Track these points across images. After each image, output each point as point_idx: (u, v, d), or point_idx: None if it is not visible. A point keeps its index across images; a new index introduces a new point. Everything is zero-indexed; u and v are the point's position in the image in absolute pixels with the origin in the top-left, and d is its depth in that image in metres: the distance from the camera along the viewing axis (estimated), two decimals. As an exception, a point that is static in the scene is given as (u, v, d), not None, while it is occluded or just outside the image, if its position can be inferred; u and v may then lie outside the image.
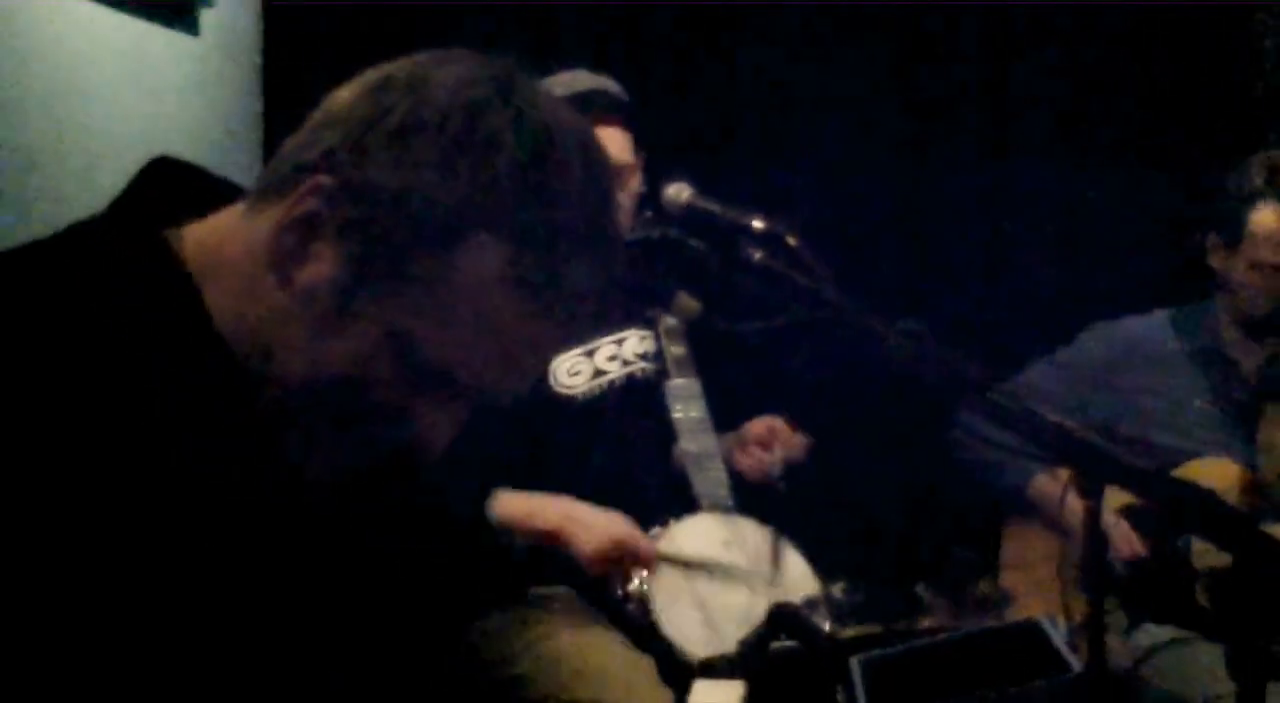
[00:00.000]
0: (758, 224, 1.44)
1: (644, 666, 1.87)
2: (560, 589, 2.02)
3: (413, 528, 1.18)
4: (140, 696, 0.89)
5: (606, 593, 2.00)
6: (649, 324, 2.30)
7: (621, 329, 2.29)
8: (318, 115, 0.97)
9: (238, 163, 2.83)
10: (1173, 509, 1.33)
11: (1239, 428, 2.49)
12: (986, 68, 3.24)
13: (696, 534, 2.07)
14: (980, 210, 3.25)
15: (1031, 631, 1.29)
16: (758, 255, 1.39)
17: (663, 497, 2.14)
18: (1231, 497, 2.39)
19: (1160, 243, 3.07)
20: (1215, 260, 2.54)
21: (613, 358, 2.26)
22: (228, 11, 2.86)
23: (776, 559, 2.04)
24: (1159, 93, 3.19)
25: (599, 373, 2.23)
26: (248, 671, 0.95)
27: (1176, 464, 2.45)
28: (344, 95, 0.97)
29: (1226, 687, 1.33)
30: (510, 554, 1.93)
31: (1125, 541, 2.39)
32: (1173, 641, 2.36)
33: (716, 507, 2.12)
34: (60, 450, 0.87)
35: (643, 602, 1.95)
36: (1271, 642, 1.30)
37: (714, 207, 1.56)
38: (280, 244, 0.94)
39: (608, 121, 2.15)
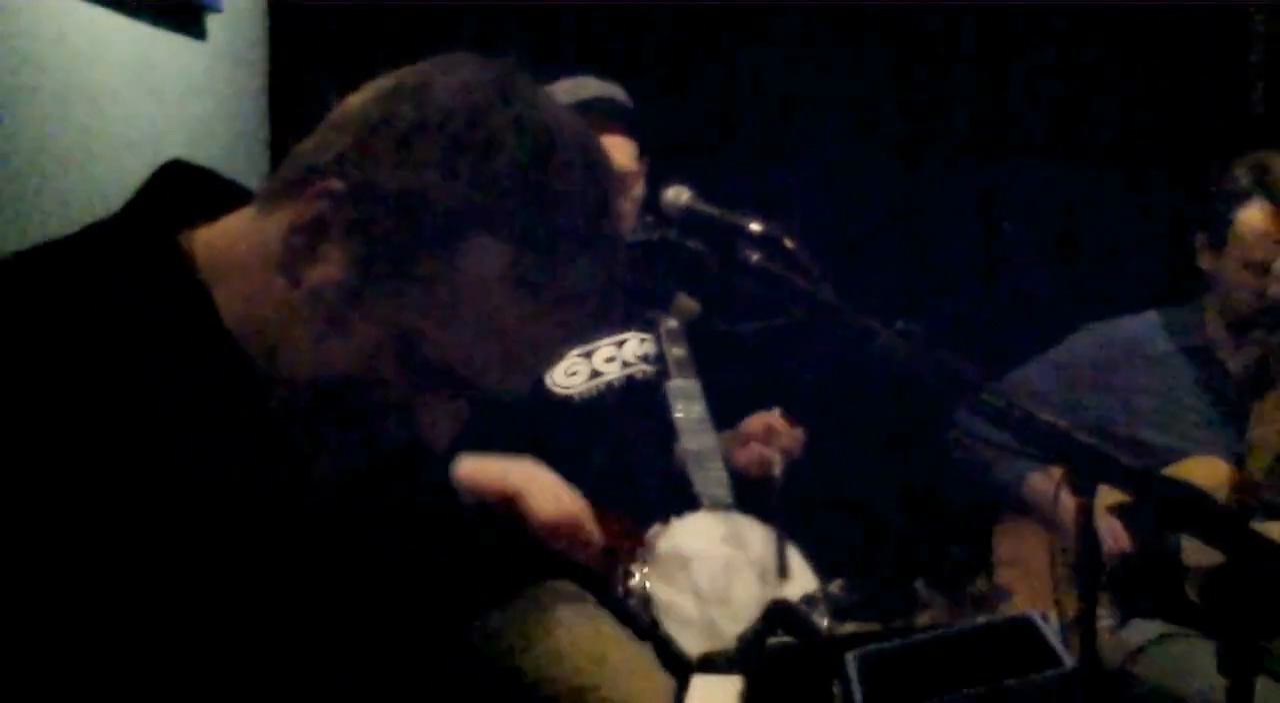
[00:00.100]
0: (755, 226, 1.44)
1: (645, 654, 1.87)
2: (561, 582, 2.02)
3: (414, 525, 1.18)
4: (143, 694, 0.89)
5: (607, 589, 2.00)
6: (649, 326, 2.31)
7: (621, 331, 2.29)
8: (329, 121, 0.98)
9: (244, 166, 2.83)
10: (1164, 507, 1.34)
11: (1229, 426, 2.49)
12: (982, 71, 3.24)
13: (696, 532, 2.07)
14: (976, 212, 3.25)
15: (1025, 626, 1.29)
16: (755, 257, 1.40)
17: (663, 496, 2.14)
18: (1221, 495, 2.39)
19: (1154, 245, 3.07)
20: (1204, 260, 2.54)
21: (611, 359, 2.26)
22: (234, 17, 2.86)
23: (783, 559, 2.04)
24: (1154, 95, 3.19)
25: (596, 374, 2.23)
26: (252, 666, 0.95)
27: (1167, 463, 2.45)
28: (354, 101, 0.98)
29: (1216, 682, 1.33)
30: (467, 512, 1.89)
31: (1113, 538, 2.39)
32: (1163, 636, 2.36)
33: (716, 505, 2.12)
34: (70, 448, 0.87)
35: (643, 598, 1.95)
36: (1261, 638, 1.31)
37: (712, 209, 1.57)
38: (290, 246, 0.95)
39: (612, 129, 2.15)
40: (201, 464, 0.92)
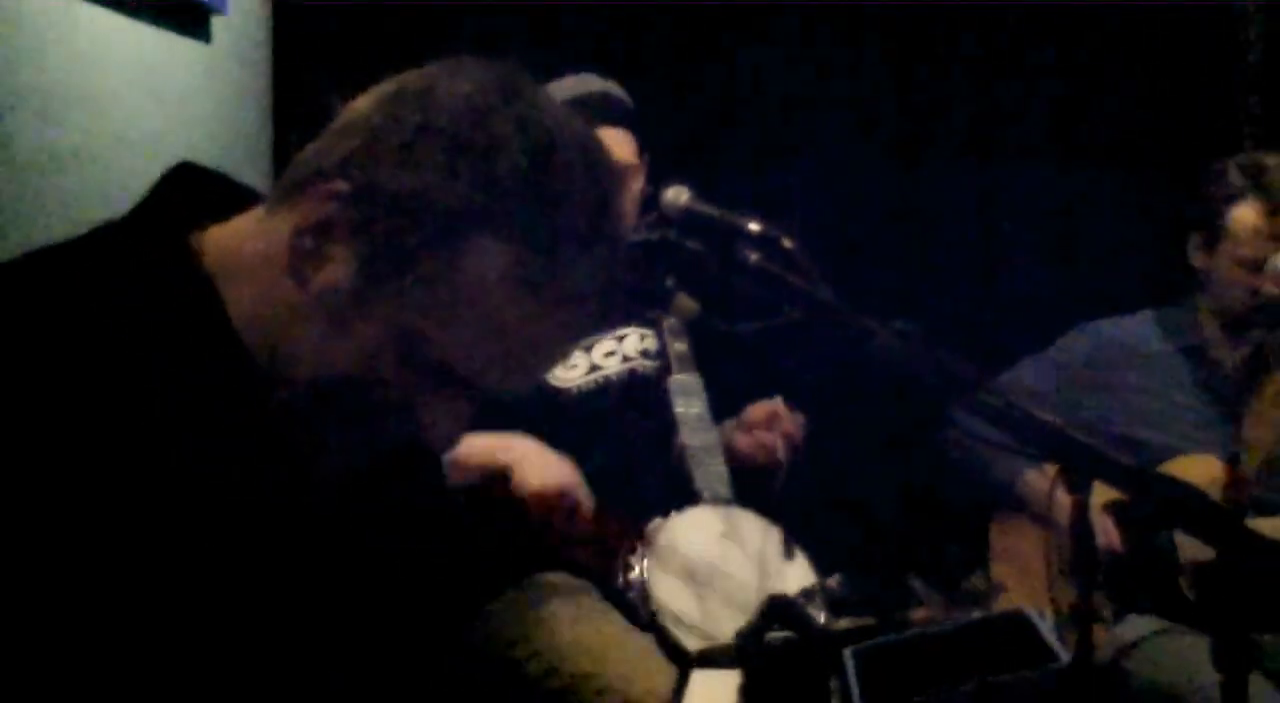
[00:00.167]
0: (754, 227, 1.44)
1: (644, 646, 1.87)
2: (560, 575, 2.02)
3: (413, 524, 1.18)
4: (141, 693, 0.89)
5: (607, 584, 2.00)
6: (650, 324, 2.31)
7: (622, 327, 2.29)
8: (335, 125, 0.98)
9: (247, 168, 2.83)
10: (1158, 504, 1.34)
11: (1222, 424, 2.49)
12: (980, 72, 3.24)
13: (695, 526, 2.07)
14: (972, 213, 3.25)
15: (1019, 622, 1.29)
16: (754, 257, 1.40)
17: (663, 491, 2.14)
18: (1215, 492, 2.39)
19: (1149, 244, 3.07)
20: (1196, 259, 2.54)
21: (611, 354, 2.26)
22: (239, 19, 2.86)
23: (789, 553, 2.05)
24: (1149, 98, 3.19)
25: (595, 367, 2.24)
26: (252, 663, 0.95)
27: (1161, 460, 2.45)
28: (360, 106, 0.98)
29: (1210, 677, 1.33)
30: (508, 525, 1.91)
31: (1107, 535, 2.40)
32: (1157, 632, 2.36)
33: (716, 500, 2.12)
34: (76, 446, 0.87)
35: (642, 591, 1.95)
36: (1255, 633, 1.31)
37: (711, 209, 1.57)
38: (298, 247, 0.95)
39: (612, 125, 2.15)
40: (205, 463, 0.92)
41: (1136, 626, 2.38)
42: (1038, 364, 2.64)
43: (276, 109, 3.03)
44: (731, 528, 2.09)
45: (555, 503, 1.89)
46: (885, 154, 3.23)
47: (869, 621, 1.57)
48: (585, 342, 2.25)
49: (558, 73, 2.19)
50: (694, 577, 2.00)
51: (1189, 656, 2.26)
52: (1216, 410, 2.52)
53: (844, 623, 1.89)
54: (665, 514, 2.07)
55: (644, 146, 2.23)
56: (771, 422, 2.20)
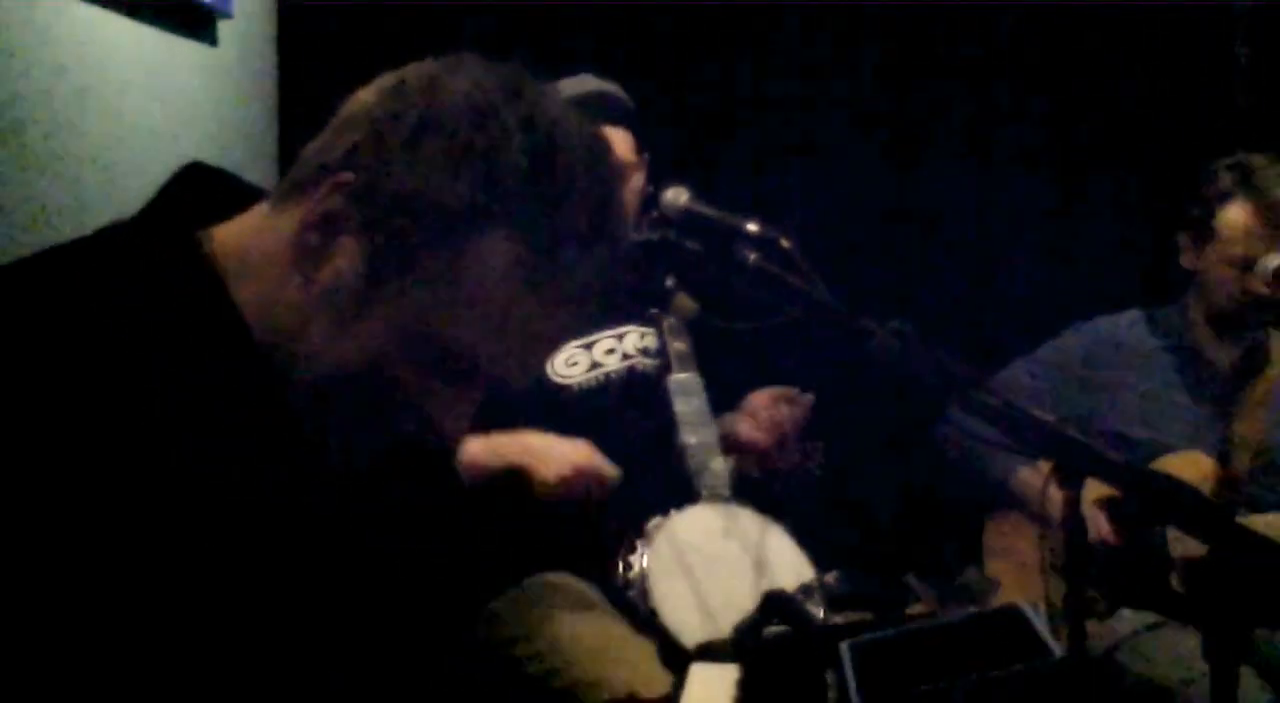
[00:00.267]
0: (752, 227, 1.44)
1: (644, 647, 1.87)
2: (563, 575, 2.02)
3: (423, 520, 1.18)
4: (157, 683, 0.89)
5: (607, 580, 2.00)
6: (651, 322, 2.31)
7: (622, 325, 2.29)
8: (338, 118, 0.98)
9: (253, 168, 2.83)
10: (1149, 500, 1.34)
11: (1212, 422, 2.49)
12: (974, 75, 3.24)
13: (694, 524, 2.07)
14: (968, 213, 3.25)
15: (1013, 616, 1.29)
16: (753, 257, 1.40)
17: (662, 489, 2.14)
18: (1206, 489, 2.40)
19: (1140, 245, 3.07)
20: (1187, 259, 2.54)
21: (611, 351, 2.26)
22: (245, 23, 2.86)
23: (787, 550, 2.05)
24: (1141, 99, 3.19)
25: (596, 365, 2.24)
26: (257, 659, 0.95)
27: (1153, 458, 2.45)
28: (363, 98, 0.98)
29: (1201, 669, 1.34)
30: (508, 522, 1.92)
31: (1093, 524, 2.40)
32: (1149, 626, 2.36)
33: (715, 497, 2.12)
34: (86, 444, 0.87)
35: (642, 589, 1.95)
36: (1245, 627, 1.31)
37: (710, 210, 1.57)
38: (304, 240, 0.95)
39: (611, 124, 2.15)
40: (216, 460, 0.92)
41: (1128, 620, 2.39)
42: (1031, 363, 2.64)
43: (281, 111, 3.03)
44: (730, 525, 2.09)
45: (577, 485, 1.90)
46: (882, 155, 3.24)
47: (865, 616, 1.57)
48: (586, 340, 2.25)
49: (558, 73, 2.19)
50: (693, 573, 2.00)
51: (1180, 649, 2.26)
52: (1207, 408, 2.52)
53: (841, 618, 1.89)
54: (665, 512, 2.07)
55: (643, 146, 2.23)
56: (775, 402, 2.19)
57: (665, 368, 2.26)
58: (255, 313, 0.96)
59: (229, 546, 0.92)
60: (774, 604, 1.35)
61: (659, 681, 1.79)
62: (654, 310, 2.30)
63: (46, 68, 2.13)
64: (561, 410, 2.16)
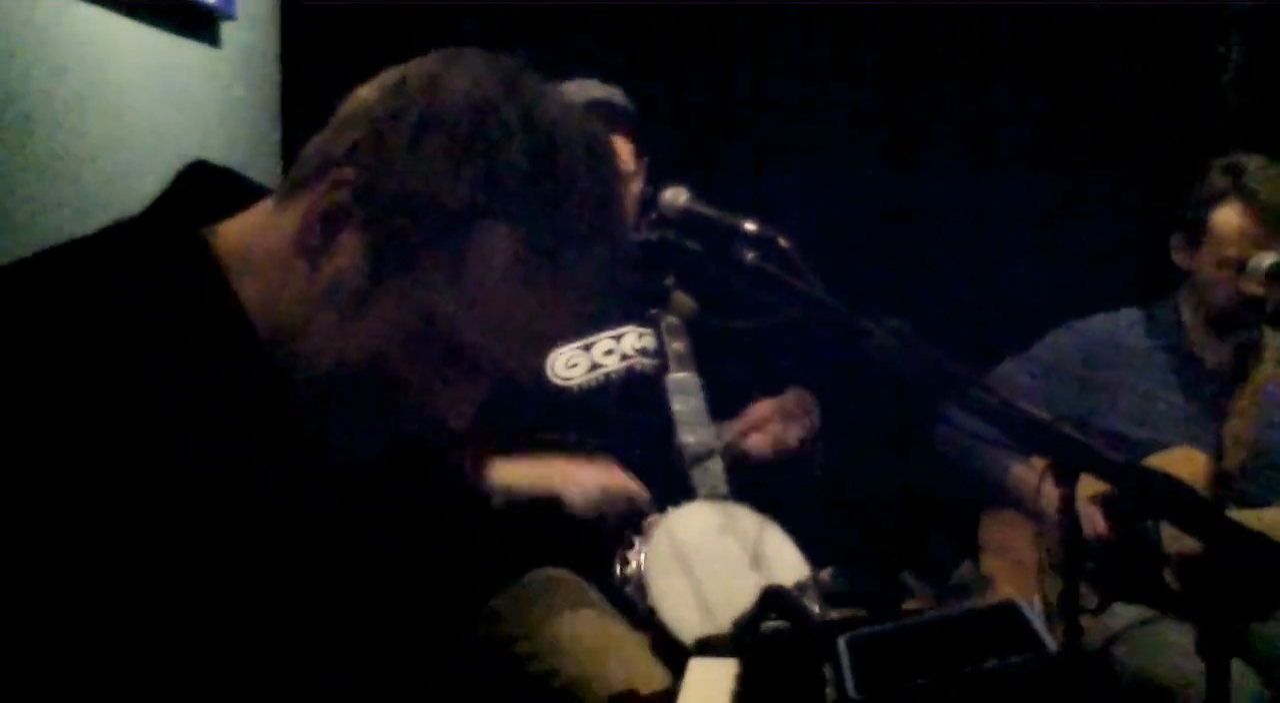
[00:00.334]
0: (751, 227, 1.44)
1: (643, 644, 1.88)
2: (561, 571, 2.02)
3: (426, 517, 1.19)
4: (155, 682, 0.89)
5: (605, 578, 2.00)
6: (649, 322, 2.31)
7: (620, 326, 2.30)
8: (340, 114, 0.98)
9: (256, 169, 2.83)
10: (1143, 497, 1.34)
11: (1205, 420, 2.49)
12: (970, 77, 3.24)
13: (692, 521, 2.07)
14: (964, 213, 3.25)
15: (1009, 611, 1.29)
16: (751, 257, 1.40)
17: (661, 487, 2.15)
18: (1199, 486, 2.40)
19: (1134, 244, 3.08)
20: (1180, 259, 2.54)
21: (610, 352, 2.26)
22: (248, 25, 2.86)
23: (783, 547, 2.05)
24: (1135, 100, 3.19)
25: (595, 366, 2.24)
26: (261, 654, 0.95)
27: (1146, 455, 2.45)
28: (364, 95, 0.98)
29: (1194, 664, 1.34)
30: (510, 521, 1.94)
31: (1089, 520, 2.40)
32: (1143, 621, 2.36)
33: (712, 495, 2.12)
34: (90, 441, 0.87)
35: (640, 586, 1.96)
36: (1237, 621, 1.31)
37: (709, 210, 1.57)
38: (308, 236, 0.95)
39: (612, 130, 2.15)
40: (218, 458, 0.92)
41: (1123, 615, 2.39)
42: (1026, 361, 2.64)
43: (284, 112, 3.03)
44: (727, 522, 2.09)
45: (607, 508, 1.93)
46: (879, 156, 3.24)
47: (861, 611, 1.57)
48: (585, 341, 2.25)
49: (559, 73, 2.19)
50: (691, 570, 2.00)
51: (1174, 643, 2.26)
52: (1200, 406, 2.52)
53: (837, 614, 1.89)
54: (662, 510, 2.07)
55: (643, 149, 2.23)
56: (778, 414, 2.19)
57: (664, 367, 2.26)
58: (259, 310, 0.97)
59: (230, 543, 0.92)
60: (772, 600, 1.35)
61: (657, 677, 1.79)
62: (653, 310, 2.30)
63: (48, 68, 2.13)
64: (562, 412, 2.16)
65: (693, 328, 2.30)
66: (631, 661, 1.82)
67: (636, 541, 2.01)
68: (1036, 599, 2.37)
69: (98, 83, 2.28)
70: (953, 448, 2.60)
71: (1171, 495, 1.33)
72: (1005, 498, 2.57)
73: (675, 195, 1.64)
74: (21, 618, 0.83)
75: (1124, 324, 2.62)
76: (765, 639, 1.30)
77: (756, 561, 2.04)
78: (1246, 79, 3.11)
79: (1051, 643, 1.22)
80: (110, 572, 0.86)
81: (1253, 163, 2.47)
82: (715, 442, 2.18)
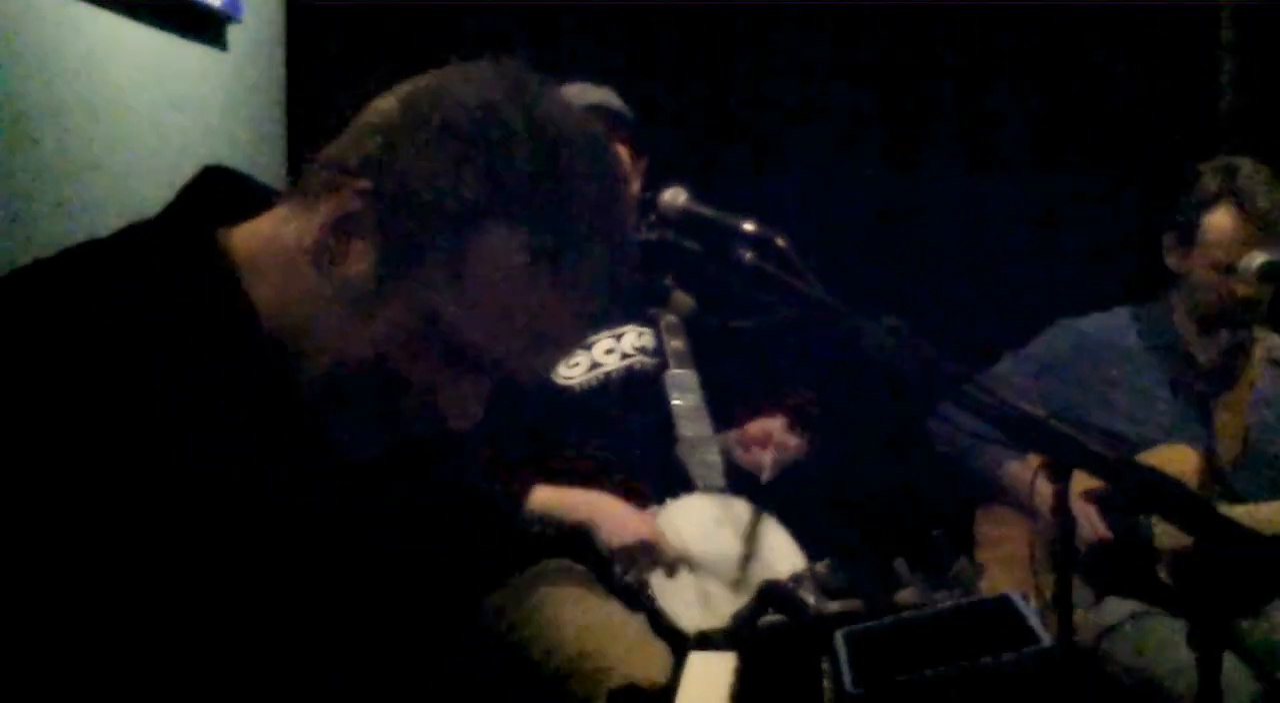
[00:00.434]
0: (749, 226, 1.44)
1: (641, 627, 1.88)
2: (560, 559, 2.03)
3: (432, 512, 1.19)
4: (157, 680, 0.89)
5: (605, 567, 2.00)
6: (649, 321, 2.31)
7: (620, 325, 2.30)
8: (358, 123, 0.99)
9: (262, 172, 2.82)
10: (1136, 493, 1.34)
11: (1197, 417, 2.50)
12: (965, 78, 3.24)
13: (690, 513, 2.08)
14: (959, 214, 3.25)
15: (1005, 606, 1.30)
16: (749, 256, 1.40)
17: (660, 481, 2.15)
18: (1190, 481, 2.40)
19: (1127, 244, 3.08)
20: (1172, 260, 2.54)
21: (610, 351, 2.27)
22: (254, 27, 2.86)
23: (778, 539, 2.06)
24: (1128, 101, 3.20)
25: (596, 365, 2.24)
26: (263, 647, 0.95)
27: (1139, 452, 2.45)
28: (381, 106, 0.99)
29: (1186, 657, 1.34)
30: (542, 540, 1.97)
31: (1089, 523, 2.40)
32: (1135, 615, 2.37)
33: (710, 488, 2.13)
34: (101, 440, 0.87)
35: (641, 582, 1.96)
36: (1228, 615, 1.32)
37: (708, 210, 1.57)
38: (323, 242, 0.96)
39: (609, 135, 2.15)
40: (226, 456, 0.93)
41: (1115, 609, 2.39)
42: (1019, 359, 2.64)
43: (290, 115, 3.03)
44: (724, 515, 2.10)
45: (636, 556, 1.96)
46: (877, 156, 3.24)
47: (857, 605, 1.57)
48: (586, 340, 2.25)
49: (559, 74, 2.18)
50: (689, 561, 2.01)
51: (1166, 637, 2.27)
52: (1191, 405, 2.52)
53: (834, 607, 1.90)
54: (661, 502, 2.08)
55: (641, 150, 2.23)
56: (764, 440, 2.22)
57: (663, 366, 2.26)
58: (271, 309, 0.97)
59: (233, 540, 0.92)
60: (770, 594, 1.35)
61: (656, 653, 1.79)
62: (652, 309, 2.31)
63: (53, 71, 2.13)
64: (564, 411, 2.16)
65: (692, 327, 2.30)
66: (629, 638, 1.82)
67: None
68: (1031, 594, 2.37)
69: (102, 85, 2.28)
70: (949, 445, 2.60)
71: (1164, 492, 1.33)
72: (1000, 494, 2.57)
73: (674, 196, 1.64)
74: (24, 614, 0.84)
75: (1118, 323, 2.62)
76: (764, 633, 1.30)
77: (752, 552, 2.05)
78: (1243, 80, 3.11)
79: (1046, 637, 1.22)
80: (112, 567, 0.86)
81: (1244, 166, 2.47)
82: (712, 435, 2.19)
